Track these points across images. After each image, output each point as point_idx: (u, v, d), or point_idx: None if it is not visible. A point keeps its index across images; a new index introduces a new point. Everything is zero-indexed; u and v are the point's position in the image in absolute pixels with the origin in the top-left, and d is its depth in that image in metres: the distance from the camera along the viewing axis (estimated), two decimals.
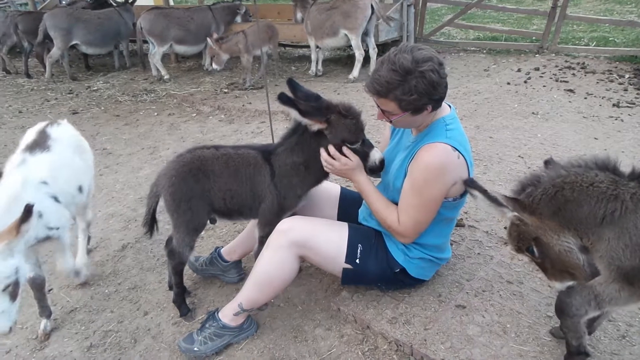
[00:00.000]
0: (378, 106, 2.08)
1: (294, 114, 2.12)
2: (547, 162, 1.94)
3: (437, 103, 2.05)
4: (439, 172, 2.04)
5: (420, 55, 1.92)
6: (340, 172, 2.23)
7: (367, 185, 2.25)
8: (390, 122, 2.12)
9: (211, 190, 2.30)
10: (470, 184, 1.86)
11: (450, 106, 2.22)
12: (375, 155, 2.26)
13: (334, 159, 2.20)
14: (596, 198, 1.68)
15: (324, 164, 2.23)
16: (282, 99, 2.07)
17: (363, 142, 2.23)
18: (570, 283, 1.83)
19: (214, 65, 7.02)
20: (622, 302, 1.77)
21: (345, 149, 2.19)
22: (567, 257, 1.79)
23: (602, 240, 1.71)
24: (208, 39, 6.91)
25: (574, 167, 1.76)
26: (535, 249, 1.82)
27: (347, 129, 2.17)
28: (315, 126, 2.17)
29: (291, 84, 2.25)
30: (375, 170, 2.30)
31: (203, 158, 2.32)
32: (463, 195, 2.21)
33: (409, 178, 2.12)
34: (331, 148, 2.20)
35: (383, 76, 1.94)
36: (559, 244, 1.79)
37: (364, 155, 2.25)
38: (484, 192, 1.80)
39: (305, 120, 2.15)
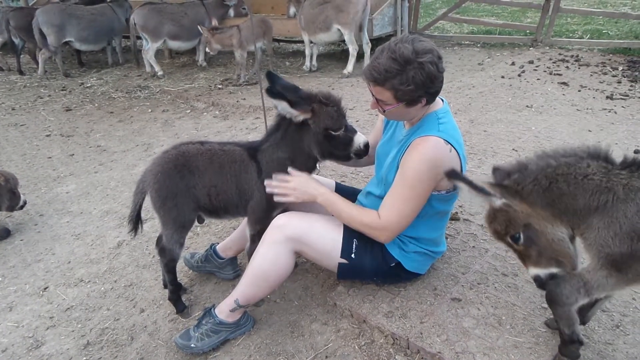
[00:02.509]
0: (373, 95, 2.07)
1: (284, 105, 2.11)
2: (495, 169, 1.95)
3: (432, 97, 2.05)
4: (430, 165, 2.03)
5: (421, 46, 1.92)
6: (299, 192, 2.21)
7: (331, 194, 2.24)
8: (383, 112, 2.11)
9: (196, 186, 2.29)
10: (453, 176, 1.83)
11: (442, 100, 2.22)
12: (360, 139, 2.27)
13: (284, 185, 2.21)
14: (591, 191, 1.69)
15: (277, 193, 2.21)
16: (272, 92, 2.07)
17: (346, 128, 2.24)
18: (555, 271, 1.85)
19: (207, 49, 7.10)
20: (609, 289, 1.79)
21: (289, 170, 2.22)
22: (559, 245, 1.81)
23: (592, 229, 1.74)
24: (199, 27, 6.94)
25: (564, 156, 1.76)
26: (522, 236, 1.82)
27: (330, 117, 2.18)
28: (302, 117, 2.17)
29: (270, 76, 2.23)
30: (361, 154, 2.31)
31: (188, 154, 2.31)
32: (456, 187, 2.21)
33: (400, 171, 2.12)
34: (275, 176, 2.21)
35: (382, 64, 1.93)
36: (552, 232, 1.80)
37: (348, 140, 2.25)
38: (469, 182, 1.79)
39: (293, 112, 2.14)
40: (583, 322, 2.15)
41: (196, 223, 2.48)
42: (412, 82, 1.92)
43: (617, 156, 1.75)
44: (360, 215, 2.20)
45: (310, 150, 2.26)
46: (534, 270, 1.88)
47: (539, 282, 1.90)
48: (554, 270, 1.85)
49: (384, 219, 2.14)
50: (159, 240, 2.50)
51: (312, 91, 2.22)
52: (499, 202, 1.80)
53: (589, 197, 1.70)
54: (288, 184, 2.22)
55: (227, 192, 2.32)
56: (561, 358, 1.99)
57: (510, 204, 1.79)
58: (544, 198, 1.76)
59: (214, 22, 7.07)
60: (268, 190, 2.22)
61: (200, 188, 2.30)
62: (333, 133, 2.20)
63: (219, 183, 2.30)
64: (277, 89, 2.09)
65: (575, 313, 1.89)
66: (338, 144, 2.26)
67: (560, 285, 1.84)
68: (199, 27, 7.04)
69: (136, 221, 2.46)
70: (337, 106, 2.20)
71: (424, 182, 2.07)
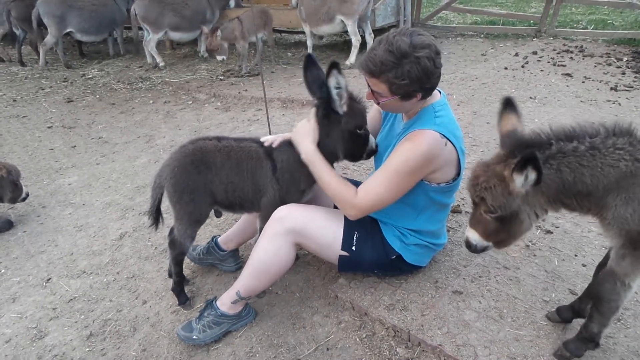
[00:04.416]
0: (369, 86, 2.05)
1: (344, 83, 2.04)
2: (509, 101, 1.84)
3: (427, 92, 2.03)
4: (421, 158, 2.01)
5: (419, 40, 1.89)
6: (294, 133, 2.21)
7: (318, 156, 2.19)
8: (378, 103, 2.10)
9: (213, 182, 2.29)
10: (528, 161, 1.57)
11: (440, 92, 2.20)
12: (373, 140, 2.30)
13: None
14: (615, 180, 1.62)
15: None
16: (339, 69, 1.99)
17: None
18: (490, 245, 1.87)
19: (218, 57, 6.81)
20: (630, 270, 1.73)
21: (311, 116, 2.18)
22: (522, 234, 1.82)
23: (608, 207, 1.67)
24: (205, 30, 6.79)
25: (590, 136, 1.63)
26: (500, 216, 1.74)
27: (361, 114, 2.18)
28: (345, 107, 2.13)
29: (310, 59, 2.14)
30: (372, 154, 2.34)
31: (205, 149, 2.30)
32: (455, 180, 2.20)
33: (391, 157, 2.09)
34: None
35: (378, 56, 1.91)
36: (529, 224, 1.77)
37: (366, 140, 2.26)
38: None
39: (345, 96, 2.09)
40: (583, 316, 2.13)
41: (212, 216, 2.47)
42: (407, 76, 1.90)
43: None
44: (338, 186, 2.15)
45: (335, 148, 2.24)
46: (475, 237, 1.86)
47: (472, 248, 1.90)
48: (490, 244, 1.87)
49: (360, 197, 2.11)
50: (171, 231, 2.51)
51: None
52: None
53: (614, 183, 1.63)
54: (298, 123, 2.22)
55: (243, 189, 2.32)
56: (564, 352, 1.99)
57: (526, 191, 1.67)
58: (558, 186, 1.66)
59: (205, 30, 6.89)
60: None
61: (217, 184, 2.30)
62: (359, 131, 2.19)
63: (236, 179, 2.30)
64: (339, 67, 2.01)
65: (618, 311, 1.84)
66: (360, 143, 2.26)
67: (605, 282, 1.81)
68: (204, 29, 6.80)
69: (156, 216, 2.47)
70: (363, 104, 2.20)
71: (411, 174, 2.05)
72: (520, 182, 1.62)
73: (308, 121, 2.21)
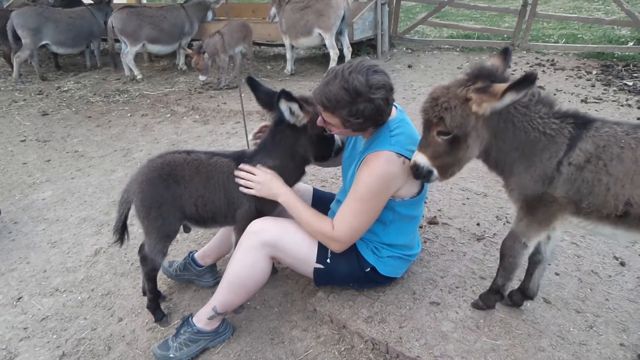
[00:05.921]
0: (321, 115, 2.09)
1: (295, 107, 2.12)
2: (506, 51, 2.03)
3: (379, 125, 2.11)
4: (381, 181, 2.06)
5: (374, 80, 1.93)
6: (262, 187, 2.21)
7: (293, 196, 2.25)
8: (330, 132, 2.17)
9: (182, 196, 2.27)
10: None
11: (396, 107, 2.22)
12: (338, 138, 2.38)
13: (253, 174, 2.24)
14: (523, 146, 1.87)
15: (241, 183, 2.25)
16: (287, 96, 2.07)
17: None
18: (435, 172, 1.97)
19: (201, 77, 6.81)
20: (529, 232, 2.00)
21: (258, 167, 2.25)
22: (464, 164, 1.98)
23: (513, 175, 1.92)
24: (189, 50, 6.78)
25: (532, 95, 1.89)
26: (452, 138, 1.87)
27: None
28: (305, 119, 2.20)
29: (251, 82, 2.27)
30: (339, 152, 2.41)
31: (173, 163, 2.29)
32: (420, 193, 2.25)
33: (353, 185, 2.15)
34: (245, 166, 2.25)
35: (333, 92, 1.94)
36: (472, 153, 1.93)
37: (332, 140, 2.34)
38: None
39: (300, 115, 2.17)
40: (530, 297, 2.34)
41: (181, 231, 2.45)
42: (361, 114, 1.96)
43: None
44: (317, 223, 2.21)
45: (306, 153, 2.31)
46: (424, 160, 1.94)
47: (417, 170, 1.97)
48: (435, 173, 1.96)
49: (336, 230, 2.17)
50: (141, 248, 2.47)
51: (303, 94, 2.26)
52: (484, 109, 1.80)
53: (520, 150, 1.88)
54: (254, 177, 2.23)
55: (214, 202, 2.31)
56: (477, 302, 2.35)
57: (483, 106, 1.79)
58: (495, 122, 1.87)
59: (189, 51, 6.83)
60: (236, 179, 2.26)
61: (187, 198, 2.28)
62: (325, 133, 2.24)
63: (206, 193, 2.29)
64: (289, 93, 2.08)
65: (517, 267, 2.14)
66: (327, 144, 2.33)
67: (507, 240, 2.09)
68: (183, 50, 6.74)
69: (122, 231, 2.42)
70: None
71: (375, 198, 2.10)
72: (510, 99, 1.76)
73: (263, 171, 2.24)
